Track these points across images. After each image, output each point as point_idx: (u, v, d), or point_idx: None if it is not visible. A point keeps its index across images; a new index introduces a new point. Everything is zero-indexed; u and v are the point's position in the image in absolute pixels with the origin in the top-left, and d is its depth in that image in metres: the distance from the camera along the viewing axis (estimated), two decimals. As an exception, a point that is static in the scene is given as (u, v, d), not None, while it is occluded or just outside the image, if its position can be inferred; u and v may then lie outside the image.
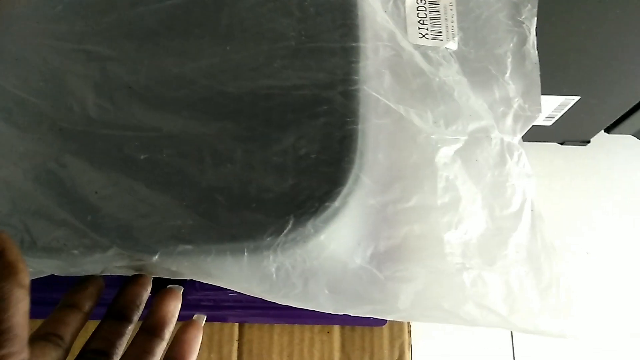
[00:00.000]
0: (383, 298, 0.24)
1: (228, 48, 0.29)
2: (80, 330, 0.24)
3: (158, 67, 0.28)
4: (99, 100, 0.27)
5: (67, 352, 0.24)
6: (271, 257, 0.24)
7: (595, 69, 0.48)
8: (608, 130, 0.64)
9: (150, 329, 0.25)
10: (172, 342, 0.25)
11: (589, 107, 0.53)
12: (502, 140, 0.29)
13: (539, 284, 0.24)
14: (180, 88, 0.28)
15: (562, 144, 0.71)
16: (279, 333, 0.40)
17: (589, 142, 0.70)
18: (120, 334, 0.25)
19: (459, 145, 0.28)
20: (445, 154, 0.27)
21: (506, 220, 0.26)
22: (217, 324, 0.40)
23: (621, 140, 0.73)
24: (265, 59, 0.28)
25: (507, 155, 0.28)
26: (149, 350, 0.24)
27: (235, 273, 0.24)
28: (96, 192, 0.25)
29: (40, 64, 0.29)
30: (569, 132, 0.66)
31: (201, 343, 0.39)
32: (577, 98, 0.51)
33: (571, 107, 0.52)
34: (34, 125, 0.26)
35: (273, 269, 0.24)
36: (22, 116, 0.27)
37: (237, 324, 0.40)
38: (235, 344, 0.40)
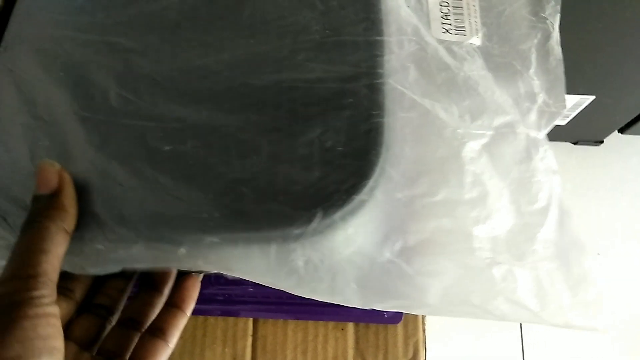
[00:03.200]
0: (411, 292, 0.24)
1: (251, 41, 0.28)
2: (89, 287, 0.27)
3: (181, 58, 0.28)
4: (121, 91, 0.27)
5: (77, 304, 0.26)
6: (299, 250, 0.24)
7: (610, 69, 0.47)
8: (622, 130, 0.64)
9: (152, 284, 0.28)
10: (173, 290, 0.28)
11: (603, 107, 0.53)
12: (527, 135, 0.28)
13: (569, 280, 0.24)
14: (204, 79, 0.27)
15: (575, 143, 0.71)
16: (293, 329, 0.40)
17: (602, 142, 0.70)
18: (123, 291, 0.28)
19: (485, 139, 0.28)
20: (471, 148, 0.27)
21: (533, 215, 0.26)
22: (231, 319, 0.40)
23: (635, 141, 0.73)
24: (289, 52, 0.28)
25: (533, 151, 0.28)
26: (149, 302, 0.27)
27: (262, 267, 0.24)
28: (120, 185, 0.24)
29: (62, 55, 0.28)
30: (582, 132, 0.66)
31: (215, 337, 0.40)
32: (592, 98, 0.51)
33: (586, 106, 0.52)
34: (56, 117, 0.26)
35: (301, 263, 0.24)
36: (45, 108, 0.26)
37: (251, 319, 0.40)
38: (250, 339, 0.40)
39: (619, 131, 0.64)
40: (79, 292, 0.26)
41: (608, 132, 0.65)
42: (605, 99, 0.50)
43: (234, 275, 0.24)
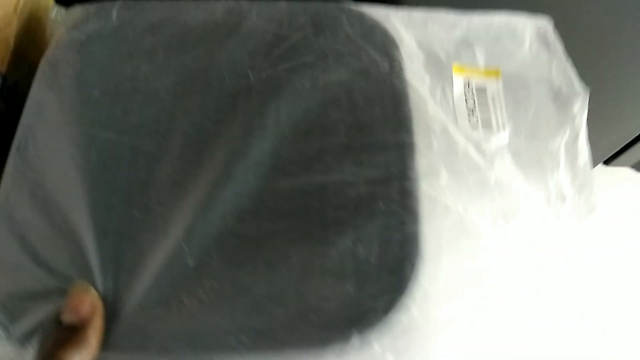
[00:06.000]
0: None
1: (277, 143, 0.27)
2: None
3: (205, 163, 0.26)
4: (143, 198, 0.25)
5: None
6: (335, 380, 0.22)
7: (594, 111, 0.48)
8: (606, 162, 0.64)
9: None
10: None
11: (588, 142, 0.53)
12: (560, 236, 0.27)
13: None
14: (229, 184, 0.26)
15: (560, 175, 0.71)
16: None
17: (587, 174, 0.70)
18: None
19: (520, 244, 0.26)
20: (508, 257, 0.26)
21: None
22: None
23: (619, 173, 0.73)
24: (316, 155, 0.27)
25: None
26: None
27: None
28: (142, 308, 0.23)
29: (77, 155, 0.27)
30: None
31: None
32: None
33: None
34: (75, 228, 0.24)
35: (337, 394, 0.22)
36: (62, 216, 0.25)
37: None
38: None
39: (603, 163, 0.64)
40: None
41: (592, 165, 0.66)
42: (589, 135, 0.51)
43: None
